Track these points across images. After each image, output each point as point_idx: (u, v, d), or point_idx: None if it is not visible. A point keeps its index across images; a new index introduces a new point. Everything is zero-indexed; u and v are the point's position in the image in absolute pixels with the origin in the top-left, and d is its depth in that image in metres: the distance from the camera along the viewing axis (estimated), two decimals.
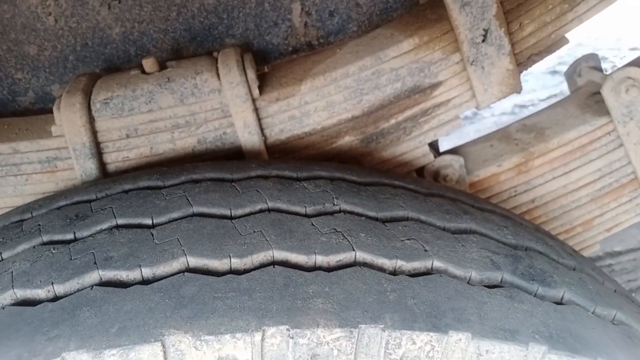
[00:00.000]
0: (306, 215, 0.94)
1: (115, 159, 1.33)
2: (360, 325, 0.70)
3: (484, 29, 1.32)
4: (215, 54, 1.40)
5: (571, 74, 1.62)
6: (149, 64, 1.32)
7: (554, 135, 1.45)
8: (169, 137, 1.32)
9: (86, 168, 1.29)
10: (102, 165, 1.31)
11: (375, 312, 0.72)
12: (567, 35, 1.42)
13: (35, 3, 1.44)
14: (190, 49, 1.53)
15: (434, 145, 1.51)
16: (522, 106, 3.93)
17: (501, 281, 0.84)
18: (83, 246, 0.88)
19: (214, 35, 1.53)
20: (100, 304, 0.76)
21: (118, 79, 1.32)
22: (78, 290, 0.80)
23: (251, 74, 1.30)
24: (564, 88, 4.13)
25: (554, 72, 4.22)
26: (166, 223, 0.92)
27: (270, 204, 0.96)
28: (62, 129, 1.27)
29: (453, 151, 1.51)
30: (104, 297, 0.77)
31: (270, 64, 1.55)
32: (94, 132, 1.29)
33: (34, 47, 1.49)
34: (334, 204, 0.96)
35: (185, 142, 1.34)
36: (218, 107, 1.31)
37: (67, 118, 1.25)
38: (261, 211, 0.95)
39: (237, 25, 1.52)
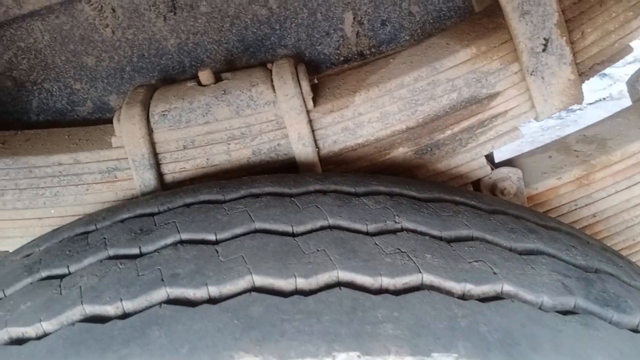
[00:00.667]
0: (368, 234, 0.93)
1: (172, 169, 1.35)
2: (432, 354, 0.69)
3: (544, 38, 1.28)
4: (269, 65, 1.41)
5: (633, 83, 1.56)
6: (205, 75, 1.34)
7: (617, 147, 1.39)
8: (224, 148, 1.33)
9: (145, 179, 1.31)
10: (160, 175, 1.34)
11: (447, 339, 0.71)
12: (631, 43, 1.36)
13: (93, 15, 1.47)
14: (243, 59, 1.54)
15: (489, 158, 1.47)
16: (570, 110, 3.81)
17: (574, 307, 0.81)
18: (149, 262, 0.90)
19: (267, 46, 1.53)
20: (169, 323, 0.77)
21: (175, 91, 1.34)
22: (147, 308, 0.81)
23: (305, 86, 1.30)
24: (612, 91, 3.99)
25: (603, 75, 4.08)
26: (230, 239, 0.92)
27: (331, 221, 0.95)
28: (122, 140, 1.30)
29: (509, 163, 1.47)
30: (172, 316, 0.78)
31: (321, 74, 1.55)
32: (152, 144, 1.31)
33: (92, 58, 1.52)
34: (395, 222, 0.95)
35: (241, 153, 1.34)
36: (273, 119, 1.31)
37: (127, 130, 1.28)
38: (322, 228, 0.94)
39: (290, 35, 1.53)
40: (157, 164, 1.33)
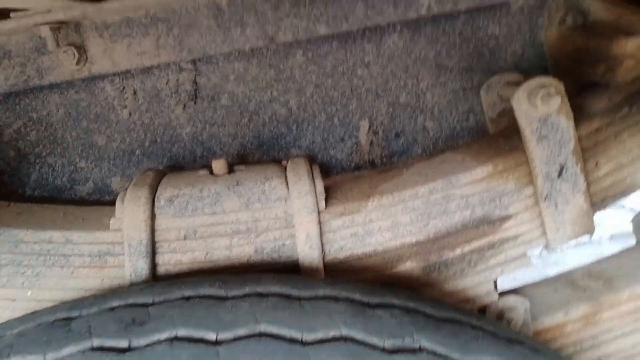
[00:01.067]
0: (384, 350, 0.85)
1: (167, 261, 1.26)
2: None
3: (560, 164, 1.29)
4: (283, 162, 1.39)
5: (638, 222, 1.56)
6: (219, 165, 1.31)
7: (625, 286, 1.36)
8: (227, 242, 1.27)
9: (137, 267, 1.23)
10: (153, 266, 1.25)
11: None
12: None
13: (114, 95, 1.48)
14: (255, 155, 1.53)
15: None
16: (551, 250, 3.81)
17: None
18: (139, 358, 0.79)
19: (281, 145, 1.54)
20: None
21: (186, 178, 1.30)
22: None
23: (319, 185, 1.27)
24: (593, 236, 4.01)
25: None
26: (231, 340, 0.84)
27: (344, 332, 0.87)
28: (121, 222, 1.23)
29: (515, 292, 1.41)
30: None
31: (330, 178, 1.53)
32: (152, 230, 1.24)
33: (103, 137, 1.50)
34: (413, 340, 0.87)
35: (243, 249, 1.28)
36: (282, 216, 1.27)
37: (130, 211, 1.22)
38: (335, 339, 0.86)
39: (305, 137, 1.53)
40: (152, 253, 1.25)
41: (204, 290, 0.99)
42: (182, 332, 0.85)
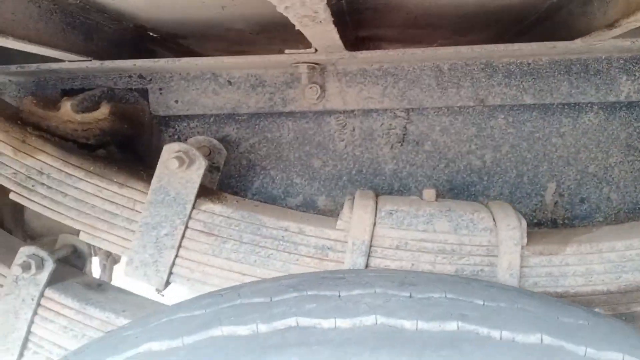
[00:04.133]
0: None
1: (377, 264, 1.44)
2: None
3: None
4: (482, 201, 1.57)
5: None
6: (430, 194, 1.51)
7: None
8: (431, 259, 1.43)
9: (356, 263, 1.41)
10: (366, 266, 1.44)
11: None
12: None
13: (336, 128, 1.76)
14: (445, 197, 1.72)
15: None
16: None
17: None
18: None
19: (470, 192, 1.72)
20: None
21: (400, 199, 1.51)
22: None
23: (524, 223, 1.43)
24: None
25: None
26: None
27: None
28: (347, 224, 1.45)
29: None
30: None
31: None
32: (371, 235, 1.44)
33: (319, 161, 1.77)
34: None
35: (444, 268, 1.43)
36: (486, 244, 1.42)
37: (358, 216, 1.43)
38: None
39: (494, 188, 1.71)
40: (368, 255, 1.44)
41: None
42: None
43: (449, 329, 0.87)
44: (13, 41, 1.31)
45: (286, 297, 1.01)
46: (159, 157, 1.48)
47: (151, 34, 2.02)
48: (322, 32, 1.26)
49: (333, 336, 0.82)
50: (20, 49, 1.42)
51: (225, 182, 1.77)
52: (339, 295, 0.99)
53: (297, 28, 1.19)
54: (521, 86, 1.64)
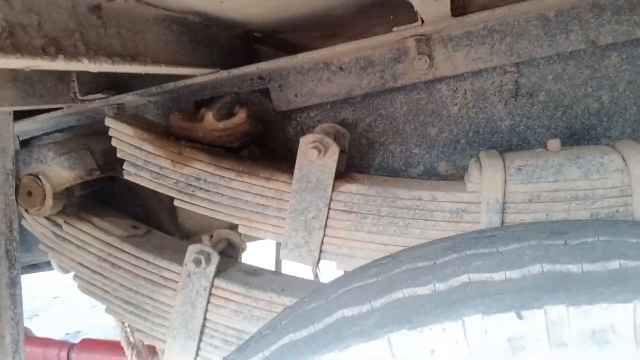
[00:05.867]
0: None
1: (512, 220, 1.53)
2: None
3: None
4: (607, 142, 1.59)
5: None
6: (554, 144, 1.56)
7: None
8: (565, 207, 1.49)
9: (492, 222, 1.51)
10: (502, 223, 1.53)
11: None
12: None
13: (447, 94, 1.83)
14: (566, 145, 1.75)
15: None
16: None
17: None
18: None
19: (592, 135, 1.73)
20: None
21: (527, 153, 1.57)
22: None
23: None
24: None
25: None
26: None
27: None
28: (478, 186, 1.54)
29: None
30: None
31: None
32: (504, 193, 1.52)
33: (435, 129, 1.86)
34: None
35: (579, 214, 1.49)
36: (618, 185, 1.46)
37: (488, 176, 1.51)
38: None
39: (615, 128, 1.72)
40: (502, 212, 1.53)
41: None
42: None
43: (612, 267, 0.95)
44: (165, 67, 1.51)
45: (448, 259, 1.14)
46: (286, 150, 1.64)
47: (256, 34, 2.18)
48: (435, 4, 1.34)
49: (509, 286, 0.94)
50: (165, 72, 1.63)
51: (348, 162, 1.91)
52: (498, 251, 1.11)
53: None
54: (632, 20, 1.61)
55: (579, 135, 1.74)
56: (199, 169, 1.71)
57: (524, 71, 1.77)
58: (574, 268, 0.96)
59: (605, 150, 1.50)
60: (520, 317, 0.84)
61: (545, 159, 1.52)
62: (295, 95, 1.90)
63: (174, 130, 1.77)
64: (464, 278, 1.01)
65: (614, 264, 0.96)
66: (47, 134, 2.23)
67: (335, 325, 1.05)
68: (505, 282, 0.96)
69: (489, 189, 1.51)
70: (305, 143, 1.63)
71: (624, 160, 1.46)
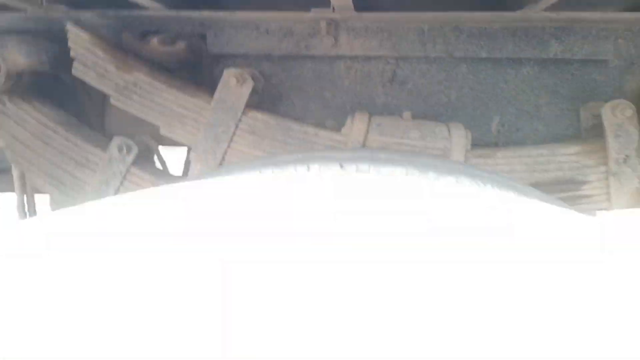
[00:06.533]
0: None
1: None
2: None
3: (625, 154, 2.02)
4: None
5: None
6: (407, 115, 2.15)
7: None
8: None
9: None
10: None
11: None
12: None
13: (343, 70, 2.39)
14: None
15: None
16: None
17: None
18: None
19: (439, 121, 2.36)
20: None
21: (387, 117, 2.15)
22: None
23: (469, 136, 2.07)
24: None
25: None
26: None
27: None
28: (349, 131, 2.09)
29: None
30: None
31: None
32: (365, 139, 2.09)
33: (330, 94, 2.41)
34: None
35: None
36: (442, 147, 2.07)
37: (356, 126, 2.07)
38: None
39: (456, 118, 2.35)
40: None
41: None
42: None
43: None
44: None
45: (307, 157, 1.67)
46: (213, 87, 2.11)
47: None
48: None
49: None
50: None
51: (259, 105, 2.40)
52: (336, 157, 1.65)
53: None
54: (479, 44, 2.27)
55: (430, 118, 2.36)
56: (138, 77, 2.12)
57: (401, 64, 2.37)
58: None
59: (439, 124, 2.12)
60: (342, 167, 1.39)
61: (398, 122, 2.11)
62: (227, 44, 2.37)
63: (125, 45, 2.18)
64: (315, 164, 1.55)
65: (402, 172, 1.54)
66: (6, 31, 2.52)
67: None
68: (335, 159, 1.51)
69: (356, 135, 2.07)
70: (228, 73, 2.11)
71: (449, 132, 2.09)
